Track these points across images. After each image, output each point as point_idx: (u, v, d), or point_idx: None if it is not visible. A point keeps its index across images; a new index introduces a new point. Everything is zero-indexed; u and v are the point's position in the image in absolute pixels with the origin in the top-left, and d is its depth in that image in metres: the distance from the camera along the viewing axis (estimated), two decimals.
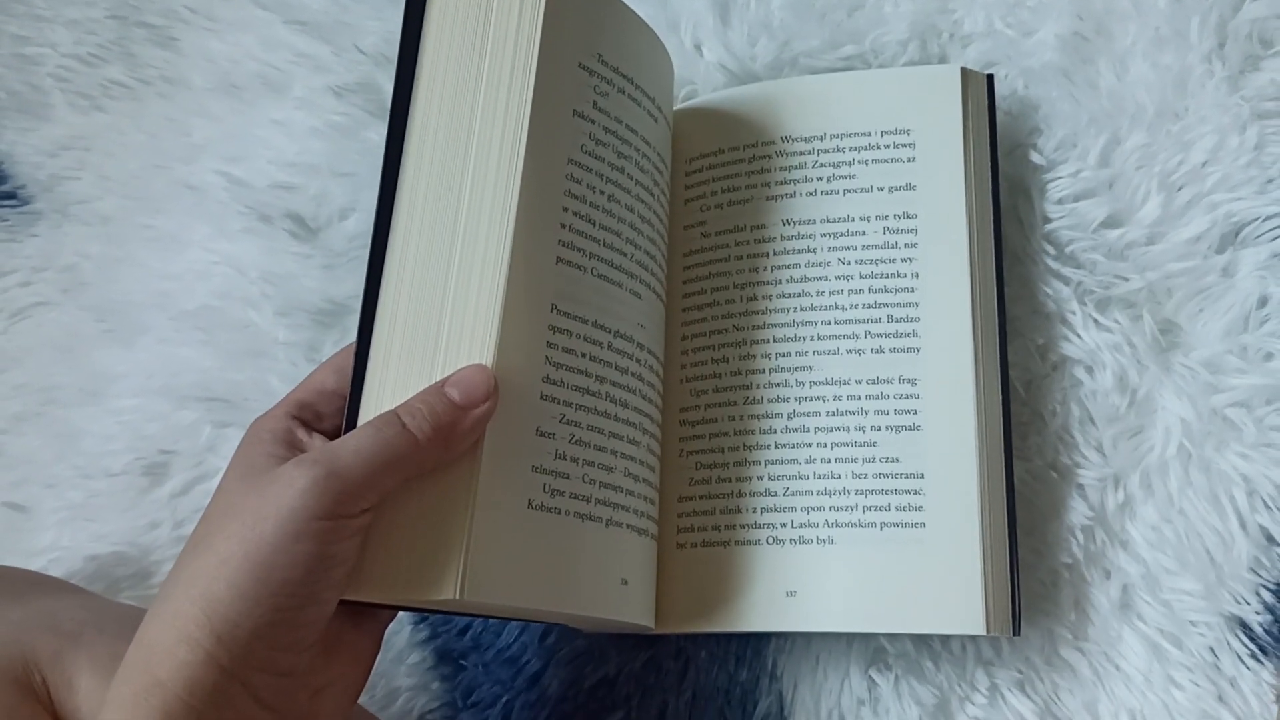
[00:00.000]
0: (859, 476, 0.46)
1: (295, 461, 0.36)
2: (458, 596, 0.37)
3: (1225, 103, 0.52)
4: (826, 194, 0.50)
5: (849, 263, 0.49)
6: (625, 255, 0.44)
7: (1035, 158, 0.53)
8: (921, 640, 0.49)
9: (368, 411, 0.39)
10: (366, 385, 0.40)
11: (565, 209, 0.42)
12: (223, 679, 0.34)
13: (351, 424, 0.39)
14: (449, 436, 0.37)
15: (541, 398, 0.40)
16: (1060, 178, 0.52)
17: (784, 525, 0.46)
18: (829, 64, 0.56)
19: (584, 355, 0.42)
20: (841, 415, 0.47)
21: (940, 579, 0.45)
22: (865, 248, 0.49)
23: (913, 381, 0.47)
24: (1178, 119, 0.52)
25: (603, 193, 0.44)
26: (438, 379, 0.39)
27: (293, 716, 0.36)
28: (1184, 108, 0.52)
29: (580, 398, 0.42)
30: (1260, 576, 0.48)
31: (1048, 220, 0.52)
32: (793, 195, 0.50)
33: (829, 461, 0.47)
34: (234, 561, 0.34)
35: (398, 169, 0.41)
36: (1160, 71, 0.53)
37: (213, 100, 0.63)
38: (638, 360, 0.45)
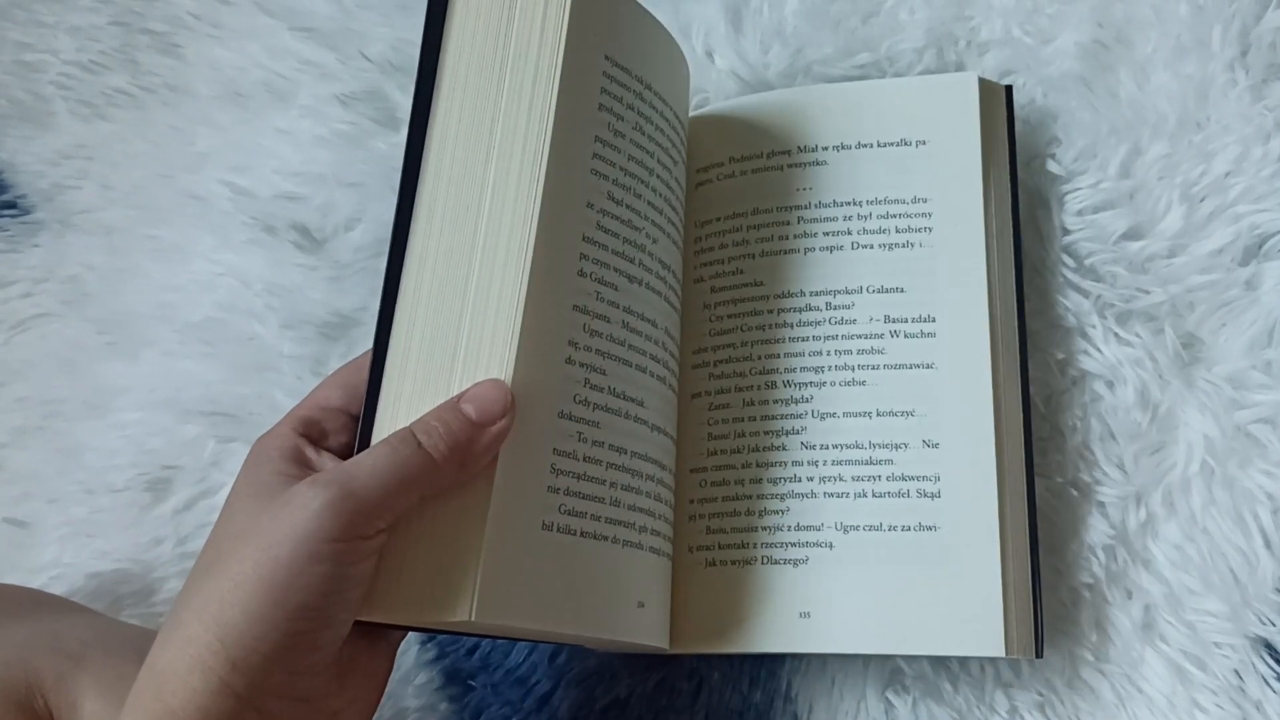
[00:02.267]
0: (876, 495, 0.45)
1: (309, 481, 0.35)
2: (471, 618, 0.36)
3: (1248, 112, 0.51)
4: (841, 204, 0.49)
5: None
6: (644, 267, 0.43)
7: (1054, 168, 0.52)
8: (939, 661, 0.48)
9: (383, 426, 0.38)
10: (382, 399, 0.39)
11: (588, 221, 0.41)
12: (238, 707, 0.33)
13: (365, 439, 0.39)
14: (466, 455, 0.36)
15: (559, 415, 0.40)
16: (1080, 189, 0.51)
17: (799, 544, 0.45)
18: (843, 72, 0.55)
19: (600, 371, 0.41)
20: (857, 432, 0.46)
21: (959, 600, 0.44)
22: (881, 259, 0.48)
23: (930, 398, 0.46)
24: (1200, 129, 0.51)
25: (621, 202, 0.43)
26: (455, 394, 0.38)
27: None
28: (1206, 117, 0.51)
29: (599, 415, 0.41)
30: None
31: (1067, 232, 0.51)
32: (806, 206, 0.49)
33: (844, 479, 0.46)
34: (248, 585, 0.33)
35: (416, 180, 0.40)
36: (1182, 81, 0.52)
37: (217, 109, 0.62)
38: (653, 376, 0.44)
